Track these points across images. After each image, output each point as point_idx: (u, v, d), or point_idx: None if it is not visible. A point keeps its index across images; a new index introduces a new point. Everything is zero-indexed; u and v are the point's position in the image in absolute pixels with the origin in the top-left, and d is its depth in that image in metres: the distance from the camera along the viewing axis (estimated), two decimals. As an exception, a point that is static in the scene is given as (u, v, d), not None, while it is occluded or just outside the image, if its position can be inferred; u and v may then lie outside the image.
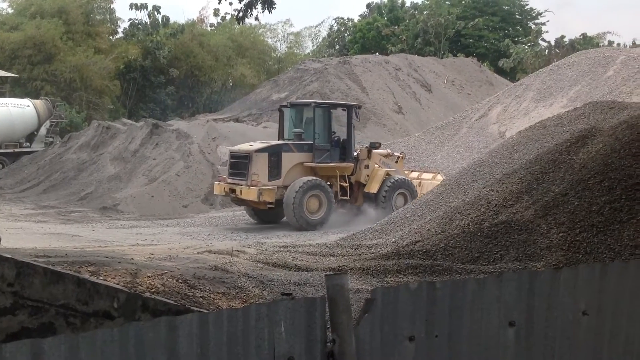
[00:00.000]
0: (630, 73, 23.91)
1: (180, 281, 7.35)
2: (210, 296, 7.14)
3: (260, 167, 17.02)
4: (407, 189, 17.88)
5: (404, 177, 18.28)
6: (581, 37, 50.61)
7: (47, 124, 33.36)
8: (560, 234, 8.66)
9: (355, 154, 18.20)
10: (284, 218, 17.63)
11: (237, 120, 31.78)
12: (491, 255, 8.87)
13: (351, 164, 18.04)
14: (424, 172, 20.01)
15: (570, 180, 9.41)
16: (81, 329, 4.07)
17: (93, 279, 4.82)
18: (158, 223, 18.61)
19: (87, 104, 41.36)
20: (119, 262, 7.85)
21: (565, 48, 45.88)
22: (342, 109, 18.94)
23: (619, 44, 49.98)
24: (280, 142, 18.05)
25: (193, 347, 2.69)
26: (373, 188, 17.76)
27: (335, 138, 18.01)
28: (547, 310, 3.59)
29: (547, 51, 48.89)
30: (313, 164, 17.48)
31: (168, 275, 7.44)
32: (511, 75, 46.94)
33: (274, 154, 17.27)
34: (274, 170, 17.14)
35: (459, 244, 9.23)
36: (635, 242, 8.10)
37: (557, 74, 26.50)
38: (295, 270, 9.13)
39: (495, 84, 39.64)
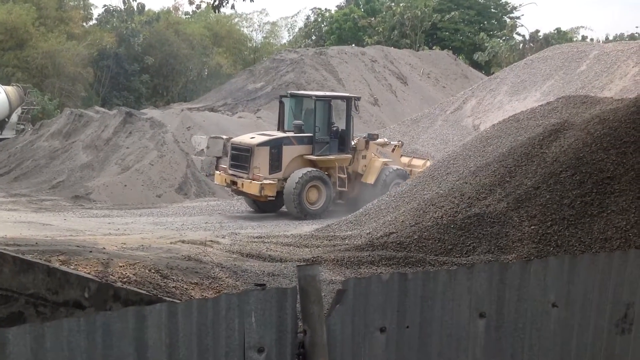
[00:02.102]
0: (602, 68, 24.18)
1: (153, 271, 7.28)
2: (183, 286, 7.09)
3: (261, 161, 17.14)
4: (403, 178, 17.98)
5: (401, 168, 18.45)
6: (555, 31, 51.03)
7: (19, 111, 32.86)
8: (532, 227, 8.74)
9: (352, 143, 18.31)
10: (283, 207, 17.77)
11: (212, 109, 31.57)
12: (464, 247, 8.93)
13: (349, 155, 18.22)
14: (414, 157, 20.11)
15: (543, 173, 9.50)
16: (51, 318, 4.01)
17: (64, 268, 4.76)
18: (131, 212, 18.44)
19: (59, 91, 40.75)
20: (91, 252, 7.75)
21: (539, 42, 46.18)
22: (342, 101, 18.93)
23: (592, 39, 50.53)
24: (281, 134, 18.05)
25: (162, 337, 2.67)
26: (370, 179, 17.96)
27: (334, 128, 18.06)
28: (517, 302, 3.62)
29: (521, 45, 49.19)
30: (313, 157, 17.62)
31: (140, 265, 7.37)
32: (486, 68, 47.20)
33: (275, 147, 17.35)
34: (275, 163, 17.29)
35: (433, 236, 9.28)
36: (605, 235, 8.20)
37: (531, 68, 26.72)
38: (269, 261, 9.10)
39: (470, 77, 39.85)
